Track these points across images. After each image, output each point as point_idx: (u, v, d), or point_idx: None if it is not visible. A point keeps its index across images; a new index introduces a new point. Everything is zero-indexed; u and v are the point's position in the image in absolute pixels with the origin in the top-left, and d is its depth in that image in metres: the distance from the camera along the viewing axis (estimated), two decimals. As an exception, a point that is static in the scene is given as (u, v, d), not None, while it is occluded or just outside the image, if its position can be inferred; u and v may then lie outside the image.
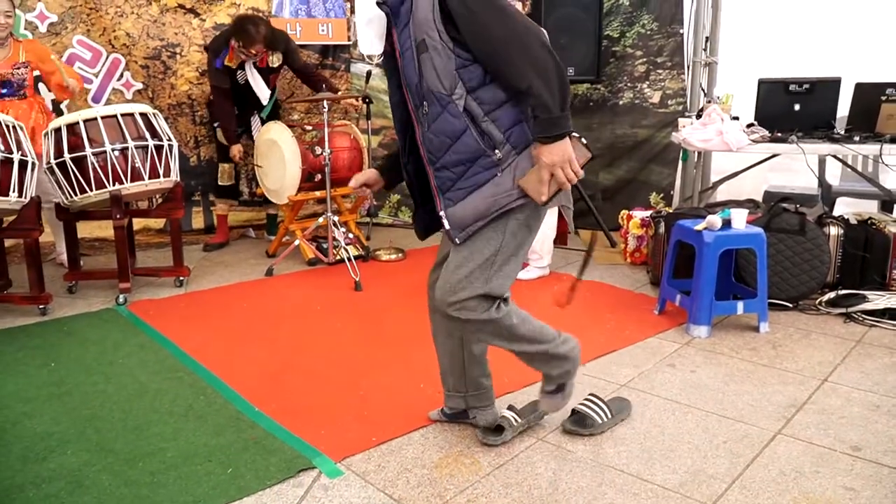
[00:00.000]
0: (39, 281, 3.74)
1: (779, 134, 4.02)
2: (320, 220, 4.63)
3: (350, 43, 5.75)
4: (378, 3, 1.92)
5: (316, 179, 4.76)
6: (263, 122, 4.96)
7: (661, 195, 5.29)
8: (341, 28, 5.68)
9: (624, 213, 4.75)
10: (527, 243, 2.09)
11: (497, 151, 1.94)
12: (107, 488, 2.13)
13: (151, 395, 2.77)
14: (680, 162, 5.12)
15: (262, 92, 4.83)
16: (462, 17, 1.84)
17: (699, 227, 3.39)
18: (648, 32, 5.31)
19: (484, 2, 1.83)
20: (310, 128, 5.31)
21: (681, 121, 4.45)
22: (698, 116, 4.35)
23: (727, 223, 3.42)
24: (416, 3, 1.89)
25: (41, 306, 3.72)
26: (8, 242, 4.15)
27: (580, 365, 2.37)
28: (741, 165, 4.67)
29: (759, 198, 4.63)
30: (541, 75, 1.82)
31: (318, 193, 4.76)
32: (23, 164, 3.57)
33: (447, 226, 2.02)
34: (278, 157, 4.60)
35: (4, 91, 4.07)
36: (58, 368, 3.03)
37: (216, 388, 2.82)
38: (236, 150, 4.88)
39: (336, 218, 4.55)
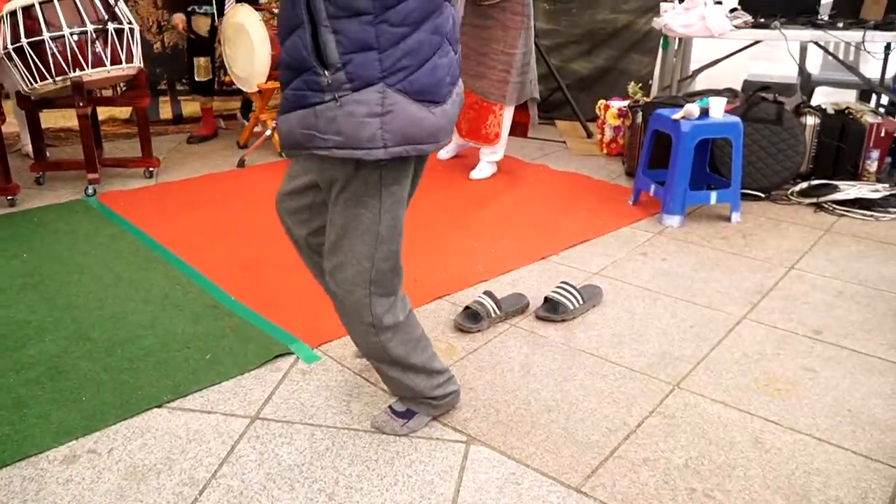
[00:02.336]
0: (5, 172, 3.65)
1: (762, 20, 3.93)
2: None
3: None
4: None
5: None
6: None
7: (640, 85, 5.19)
8: None
9: (601, 102, 4.69)
10: (369, 221, 1.65)
11: (326, 74, 1.46)
12: (87, 374, 2.16)
13: (126, 284, 2.77)
14: (660, 50, 5.01)
15: None
16: None
17: (676, 115, 3.36)
18: (633, -89, 5.08)
19: None
20: (278, 11, 5.08)
21: (663, 5, 4.33)
22: (681, 1, 4.23)
23: (705, 112, 3.39)
24: None
25: (9, 197, 3.64)
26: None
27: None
28: (722, 54, 4.59)
29: (738, 87, 4.58)
30: None
31: (289, 82, 4.60)
32: (-24, 49, 3.40)
33: (272, 126, 1.69)
34: (246, 42, 4.42)
35: None
36: (30, 259, 3.01)
37: (192, 277, 2.82)
38: (178, 17, 4.64)
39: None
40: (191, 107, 5.27)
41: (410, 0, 1.44)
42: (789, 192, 3.72)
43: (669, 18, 4.02)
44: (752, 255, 3.07)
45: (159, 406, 2.02)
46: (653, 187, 3.51)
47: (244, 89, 4.70)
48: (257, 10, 4.53)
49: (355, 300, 1.72)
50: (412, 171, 1.70)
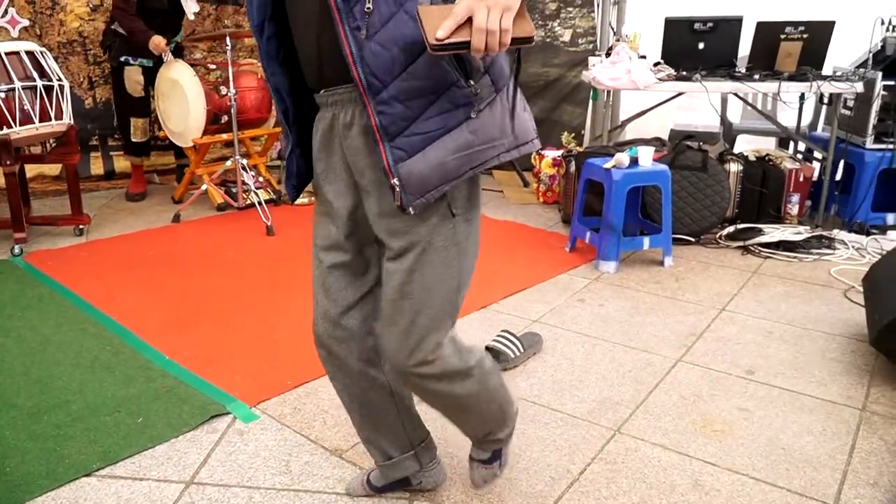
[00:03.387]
0: (-77, 233, 3.50)
1: (684, 73, 4.12)
2: (228, 163, 4.49)
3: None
4: None
5: (222, 121, 4.58)
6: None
7: (573, 135, 5.36)
8: (244, -39, 5.41)
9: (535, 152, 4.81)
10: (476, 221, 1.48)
11: (472, 82, 1.32)
12: (11, 443, 2.06)
13: (54, 347, 2.67)
14: (590, 101, 5.19)
15: (191, 6, 4.51)
16: None
17: (608, 165, 3.46)
18: (559, -31, 5.30)
19: None
20: (213, 66, 5.08)
21: (591, 59, 4.49)
22: (608, 55, 4.40)
23: (635, 161, 3.50)
24: None
25: (-73, 260, 3.49)
26: None
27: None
28: (649, 104, 4.77)
29: (665, 136, 4.76)
30: None
31: (224, 136, 4.59)
32: None
33: (398, 188, 1.32)
34: (181, 97, 4.40)
35: None
36: (-51, 324, 2.87)
37: (123, 338, 2.74)
38: (159, 39, 4.38)
39: (245, 161, 4.41)
40: (123, 162, 5.17)
41: None
42: (718, 235, 3.86)
43: (597, 72, 4.17)
44: (685, 298, 3.16)
45: (88, 475, 1.93)
46: (588, 234, 3.59)
47: (179, 144, 4.66)
48: (192, 65, 4.53)
49: (449, 366, 1.50)
50: None
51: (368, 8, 1.26)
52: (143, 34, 4.38)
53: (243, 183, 4.40)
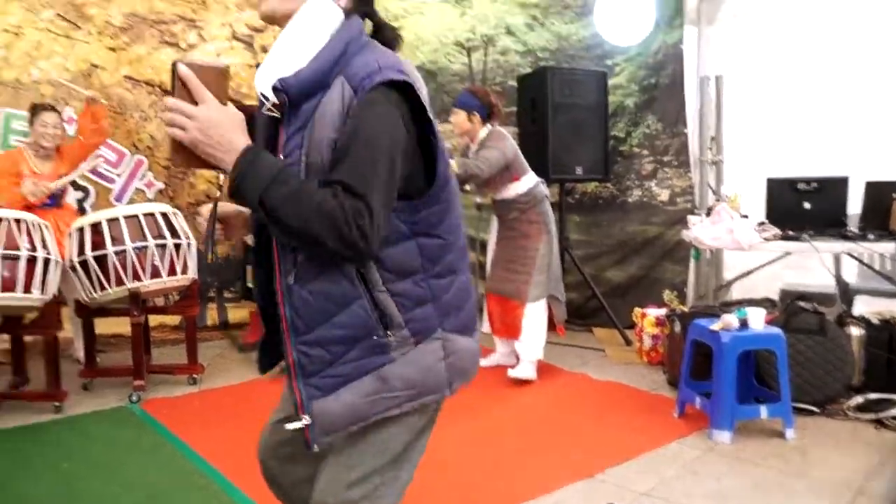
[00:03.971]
0: (56, 378, 3.74)
1: (790, 232, 4.05)
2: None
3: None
4: (275, 89, 1.38)
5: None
6: None
7: (675, 292, 5.29)
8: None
9: (637, 310, 4.74)
10: (406, 469, 1.53)
11: (390, 334, 1.42)
12: None
13: (163, 500, 2.71)
14: (692, 260, 5.15)
15: None
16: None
17: (715, 326, 3.37)
18: (654, 132, 5.46)
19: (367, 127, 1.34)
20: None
21: (690, 218, 4.50)
22: (707, 214, 4.40)
23: (744, 323, 3.40)
24: (322, 111, 1.36)
25: (56, 404, 3.69)
26: (27, 338, 4.16)
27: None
28: (754, 263, 4.69)
29: (774, 296, 4.62)
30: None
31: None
32: (46, 262, 3.62)
33: (306, 422, 1.43)
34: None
35: (49, 202, 4.20)
36: (70, 469, 2.99)
37: (230, 494, 2.76)
38: None
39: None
40: (237, 313, 5.45)
41: (450, 253, 1.50)
42: (845, 406, 3.59)
43: (698, 231, 4.16)
44: (814, 475, 2.92)
45: None
46: (698, 400, 3.44)
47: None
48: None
49: None
50: None
51: (298, 259, 1.38)
52: None
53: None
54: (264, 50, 5.48)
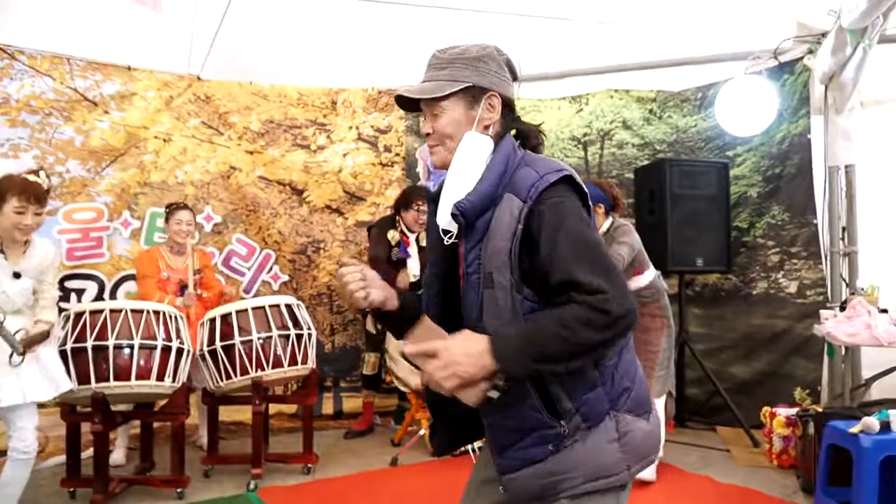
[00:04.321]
0: (181, 464, 3.90)
1: (935, 328, 3.74)
2: (447, 409, 4.63)
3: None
4: (453, 214, 1.59)
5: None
6: None
7: (808, 391, 4.94)
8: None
9: (766, 409, 4.45)
10: None
11: (563, 423, 1.54)
12: None
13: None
14: (825, 356, 4.82)
15: (414, 269, 5.04)
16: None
17: (854, 429, 3.12)
18: (780, 223, 5.25)
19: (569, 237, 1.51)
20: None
21: (823, 313, 4.25)
22: (842, 308, 4.14)
23: (886, 426, 3.13)
24: (495, 224, 1.57)
25: (178, 490, 3.84)
26: (155, 424, 4.39)
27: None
28: (895, 360, 4.33)
29: (920, 397, 4.23)
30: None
31: (445, 382, 4.78)
32: (179, 352, 3.86)
33: (503, 491, 1.67)
34: (408, 345, 4.72)
35: (180, 295, 4.52)
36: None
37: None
38: (404, 275, 4.94)
39: (462, 407, 4.53)
40: (351, 403, 5.56)
41: None
42: None
43: (832, 326, 3.92)
44: None
45: None
46: (837, 510, 3.16)
47: (403, 389, 4.92)
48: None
49: None
50: None
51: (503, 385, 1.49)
52: (389, 276, 4.93)
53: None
54: (387, 149, 5.80)
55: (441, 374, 1.46)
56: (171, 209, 4.58)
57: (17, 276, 3.25)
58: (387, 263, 4.99)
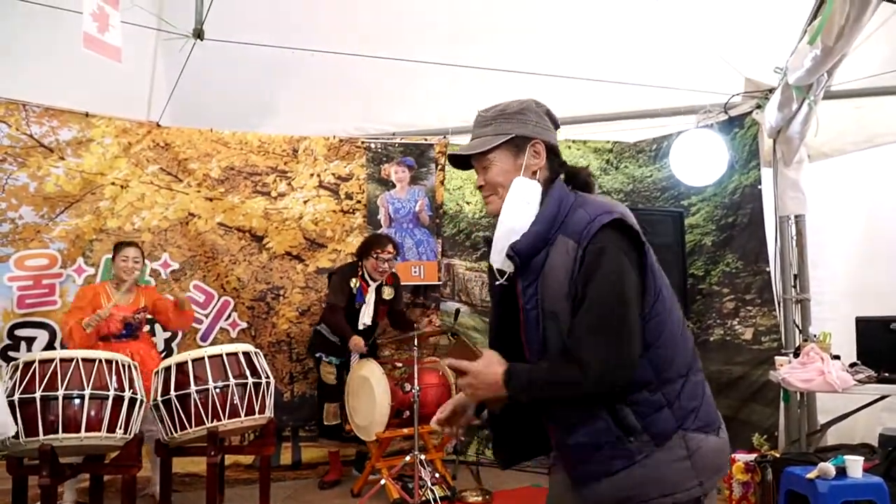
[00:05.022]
0: (131, 519, 3.76)
1: (886, 374, 3.83)
2: (407, 458, 4.57)
3: (440, 283, 6.00)
4: (508, 255, 1.72)
5: (404, 416, 4.77)
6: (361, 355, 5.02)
7: (765, 436, 4.98)
8: (432, 270, 5.98)
9: (725, 456, 4.47)
10: None
11: (632, 440, 1.65)
12: None
13: None
14: (781, 402, 4.89)
15: (366, 317, 5.01)
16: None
17: (811, 475, 3.16)
18: (734, 270, 5.36)
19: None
20: (399, 364, 5.42)
21: (777, 359, 4.32)
22: (796, 355, 4.22)
23: (842, 471, 3.18)
24: (550, 263, 1.69)
25: (128, 545, 3.70)
26: (106, 477, 4.24)
27: None
28: (849, 406, 4.40)
29: (873, 441, 4.30)
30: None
31: (405, 430, 4.75)
32: (132, 402, 3.76)
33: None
34: (369, 393, 4.68)
35: (124, 333, 4.43)
36: None
37: None
38: (359, 341, 4.85)
39: (423, 456, 4.48)
40: (310, 453, 5.44)
41: (677, 357, 1.70)
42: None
43: (787, 372, 3.99)
44: None
45: None
46: (796, 556, 3.17)
47: (363, 438, 4.85)
48: (380, 363, 4.88)
49: None
50: None
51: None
52: (345, 333, 4.91)
53: (420, 479, 4.42)
54: (349, 196, 5.80)
55: (467, 389, 1.74)
56: (118, 246, 4.57)
57: None
58: (343, 311, 4.97)
